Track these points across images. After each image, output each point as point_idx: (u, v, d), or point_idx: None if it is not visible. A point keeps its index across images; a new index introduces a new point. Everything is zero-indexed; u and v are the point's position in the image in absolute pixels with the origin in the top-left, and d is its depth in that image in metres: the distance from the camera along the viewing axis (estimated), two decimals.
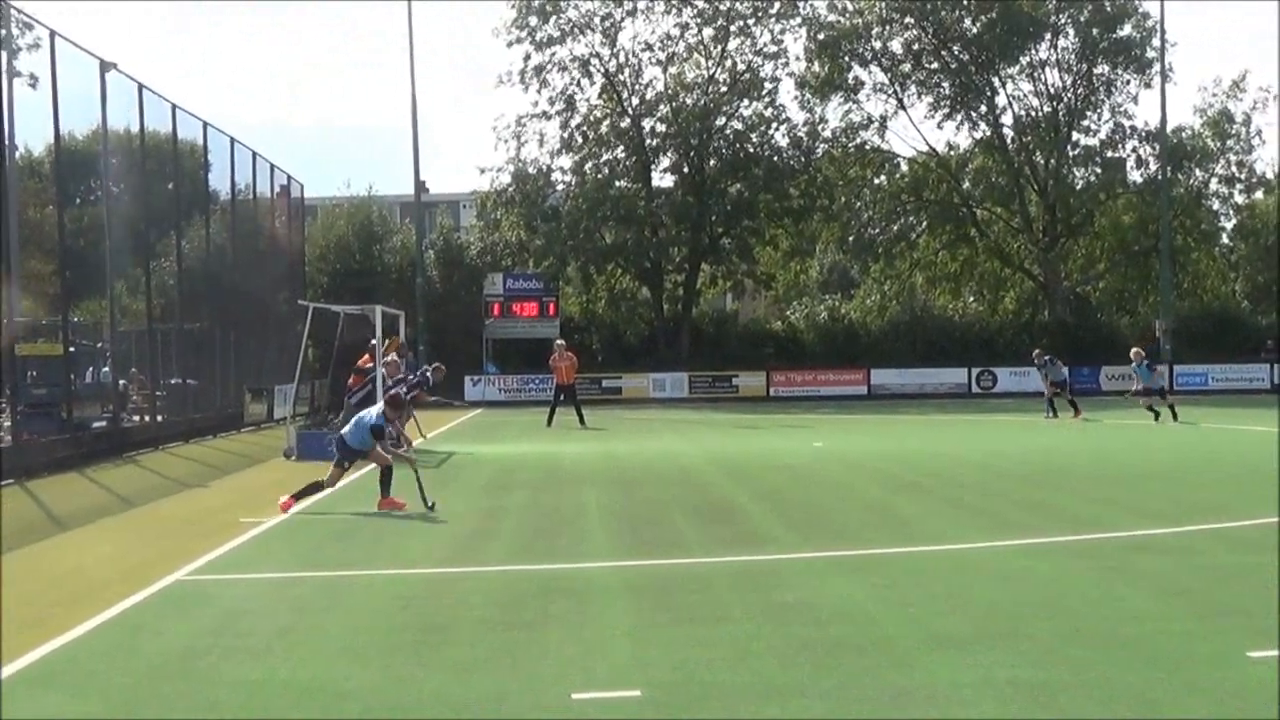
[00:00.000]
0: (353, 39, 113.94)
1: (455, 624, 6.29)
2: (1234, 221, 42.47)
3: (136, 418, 21.18)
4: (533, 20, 37.22)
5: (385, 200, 42.50)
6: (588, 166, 37.83)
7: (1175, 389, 33.00)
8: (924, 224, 40.83)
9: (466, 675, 5.26)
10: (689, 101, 38.24)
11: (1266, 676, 4.92)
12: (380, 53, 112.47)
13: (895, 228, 40.38)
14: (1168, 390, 24.09)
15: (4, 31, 18.41)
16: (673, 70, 38.88)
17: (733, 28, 38.13)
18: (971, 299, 42.04)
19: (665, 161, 38.94)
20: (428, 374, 19.03)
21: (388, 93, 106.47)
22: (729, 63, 38.63)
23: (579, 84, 38.04)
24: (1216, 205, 40.67)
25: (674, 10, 37.91)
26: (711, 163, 38.47)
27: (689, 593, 6.99)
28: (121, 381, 20.98)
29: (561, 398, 24.10)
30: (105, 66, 19.07)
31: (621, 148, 38.21)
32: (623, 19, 37.97)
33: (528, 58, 37.44)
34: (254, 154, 26.58)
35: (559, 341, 25.70)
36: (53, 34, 17.11)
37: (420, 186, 39.14)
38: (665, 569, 7.94)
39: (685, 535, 9.38)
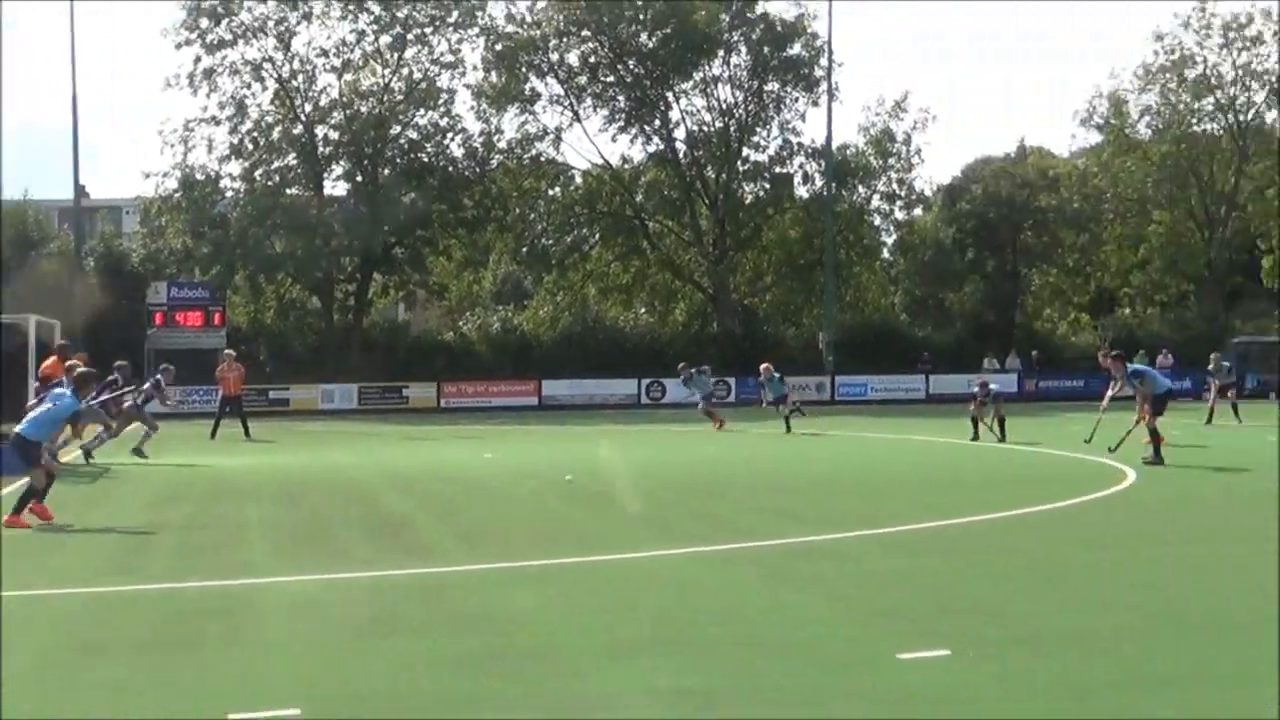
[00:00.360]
0: (8, 30, 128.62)
1: (111, 644, 7.80)
2: (894, 237, 58.63)
3: None
4: (204, 22, 48.44)
5: (42, 205, 53.60)
6: (258, 173, 49.25)
7: (837, 399, 49.82)
8: (597, 236, 54.77)
9: (122, 696, 6.58)
10: (364, 109, 50.41)
11: (918, 678, 6.78)
12: (38, 48, 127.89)
13: (569, 239, 54.25)
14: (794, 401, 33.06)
15: None
16: (348, 77, 50.79)
17: (410, 36, 50.15)
18: (643, 310, 55.95)
19: (338, 170, 51.11)
20: (159, 378, 24.79)
21: (47, 90, 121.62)
22: (405, 71, 50.92)
23: (250, 89, 49.79)
24: (878, 221, 56.45)
25: (350, 17, 49.73)
26: (386, 171, 50.60)
27: (357, 607, 8.94)
28: None
29: (228, 409, 30.03)
30: None
31: (293, 155, 49.88)
32: (298, 23, 49.72)
33: (198, 60, 48.78)
34: None
35: (227, 351, 32.69)
36: None
37: (80, 191, 50.09)
38: (332, 583, 9.95)
39: (353, 549, 11.80)
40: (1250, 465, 19.77)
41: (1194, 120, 57.82)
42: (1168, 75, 57.27)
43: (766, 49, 53.76)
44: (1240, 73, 56.86)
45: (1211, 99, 57.39)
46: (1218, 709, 6.36)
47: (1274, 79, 56.66)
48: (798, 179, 55.88)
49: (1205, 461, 20.47)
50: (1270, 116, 58.12)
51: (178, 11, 49.39)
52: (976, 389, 26.32)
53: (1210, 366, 34.14)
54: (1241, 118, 57.40)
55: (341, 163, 51.78)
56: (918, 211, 59.03)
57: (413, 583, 10.14)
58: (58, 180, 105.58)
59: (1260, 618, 8.26)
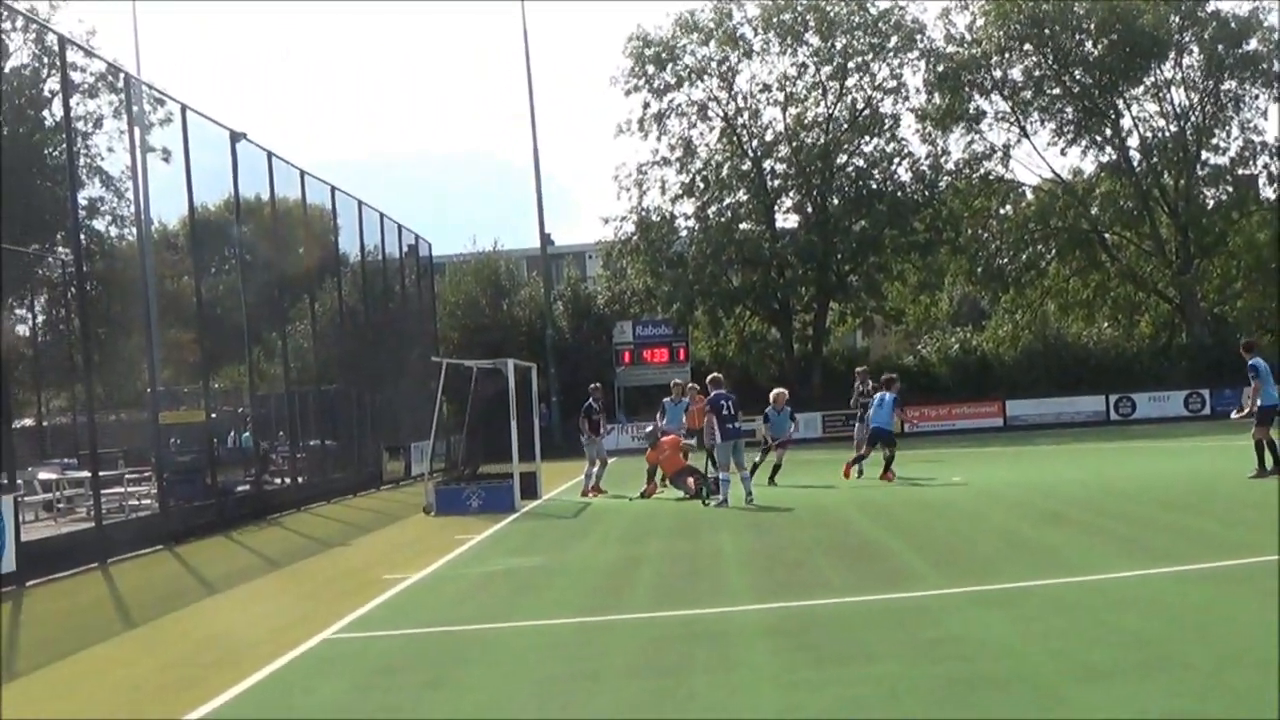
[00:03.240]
0: (471, 93, 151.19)
1: (601, 672, 8.72)
2: None
3: (278, 480, 28.40)
4: (649, 68, 53.35)
5: (511, 254, 59.02)
6: (710, 210, 53.48)
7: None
8: (1053, 251, 56.45)
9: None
10: (809, 140, 53.94)
11: None
12: (498, 106, 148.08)
13: (1024, 257, 56.00)
14: None
15: (136, 108, 25.46)
16: (792, 110, 54.52)
17: (850, 65, 53.65)
18: (1106, 325, 57.09)
19: (788, 202, 55.13)
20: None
21: (509, 145, 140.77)
22: (848, 99, 54.28)
23: (698, 129, 54.40)
24: None
25: (790, 51, 53.73)
26: (834, 200, 53.98)
27: (831, 633, 9.67)
28: (263, 445, 27.53)
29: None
30: (235, 137, 25.51)
31: (743, 190, 53.89)
32: (739, 61, 53.96)
33: (646, 105, 53.73)
34: (381, 215, 36.26)
35: (692, 385, 33.04)
36: (184, 108, 23.38)
37: (546, 239, 54.86)
38: (808, 610, 10.77)
39: (827, 575, 12.87)
40: None
41: None
42: None
43: (1220, 47, 54.53)
44: None
45: None
46: None
47: None
48: (1263, 179, 56.48)
49: None
50: None
51: (625, 60, 54.65)
52: None
53: None
54: None
55: (790, 195, 55.78)
56: None
57: (886, 608, 10.90)
58: (524, 231, 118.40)
59: None
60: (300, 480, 28.83)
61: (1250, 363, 21.84)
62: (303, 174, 30.19)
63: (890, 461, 25.28)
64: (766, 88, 55.27)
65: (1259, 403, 21.54)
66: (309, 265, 32.16)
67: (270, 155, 27.84)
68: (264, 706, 8.63)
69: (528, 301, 56.48)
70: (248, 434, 28.94)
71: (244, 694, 8.95)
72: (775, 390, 27.72)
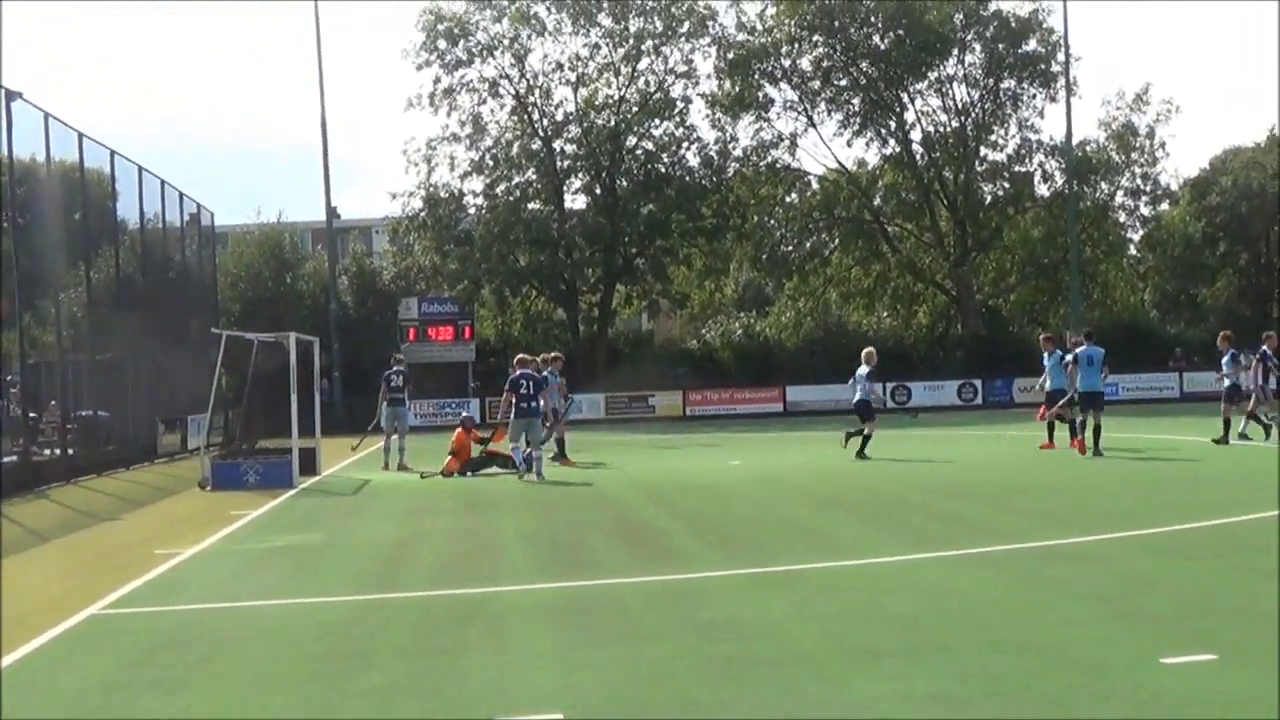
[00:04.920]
0: (260, 60, 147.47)
1: (374, 651, 8.88)
2: (1141, 233, 62.06)
3: (47, 451, 28.08)
4: (441, 43, 54.46)
5: (297, 226, 59.76)
6: (499, 189, 54.95)
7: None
8: (836, 240, 59.53)
9: (388, 702, 7.56)
10: (600, 122, 55.68)
11: (1184, 683, 7.24)
12: (288, 75, 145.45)
13: (808, 245, 59.14)
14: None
15: None
16: (583, 91, 56.23)
17: (643, 47, 55.48)
18: (885, 314, 60.54)
19: (577, 183, 56.86)
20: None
21: (297, 115, 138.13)
22: (640, 82, 56.21)
23: (489, 106, 55.74)
24: (1123, 217, 59.93)
25: (583, 31, 55.27)
26: (623, 183, 55.88)
27: (610, 613, 10.00)
28: (31, 414, 27.20)
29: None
30: (10, 95, 24.73)
31: (533, 170, 55.49)
32: (531, 40, 55.42)
33: (437, 80, 54.91)
34: (162, 182, 36.04)
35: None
36: None
37: (332, 212, 55.13)
38: (588, 590, 11.17)
39: (605, 557, 13.28)
40: None
41: None
42: None
43: (1001, 46, 57.82)
44: None
45: None
46: None
47: None
48: (1038, 177, 59.99)
49: None
50: None
51: (417, 34, 55.92)
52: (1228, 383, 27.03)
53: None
54: None
55: (580, 176, 57.55)
56: (1164, 206, 62.47)
57: (663, 589, 11.29)
58: (311, 202, 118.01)
59: None
60: (71, 452, 28.45)
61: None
62: (81, 136, 29.95)
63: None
64: (559, 67, 56.97)
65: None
66: (85, 230, 31.73)
67: (47, 116, 27.36)
68: (26, 682, 8.58)
69: (312, 275, 57.46)
70: (14, 405, 28.26)
71: (5, 669, 8.89)
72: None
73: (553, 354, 29.03)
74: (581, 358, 54.85)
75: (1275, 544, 12.22)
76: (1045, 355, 26.92)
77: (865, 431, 26.09)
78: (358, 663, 8.71)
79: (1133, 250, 64.58)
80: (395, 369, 28.32)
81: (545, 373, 25.87)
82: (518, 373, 24.41)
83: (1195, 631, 8.68)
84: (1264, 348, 26.65)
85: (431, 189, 56.25)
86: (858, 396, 26.79)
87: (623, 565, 12.81)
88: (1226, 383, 26.81)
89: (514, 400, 24.00)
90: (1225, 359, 27.03)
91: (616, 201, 56.49)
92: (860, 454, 25.69)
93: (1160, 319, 61.91)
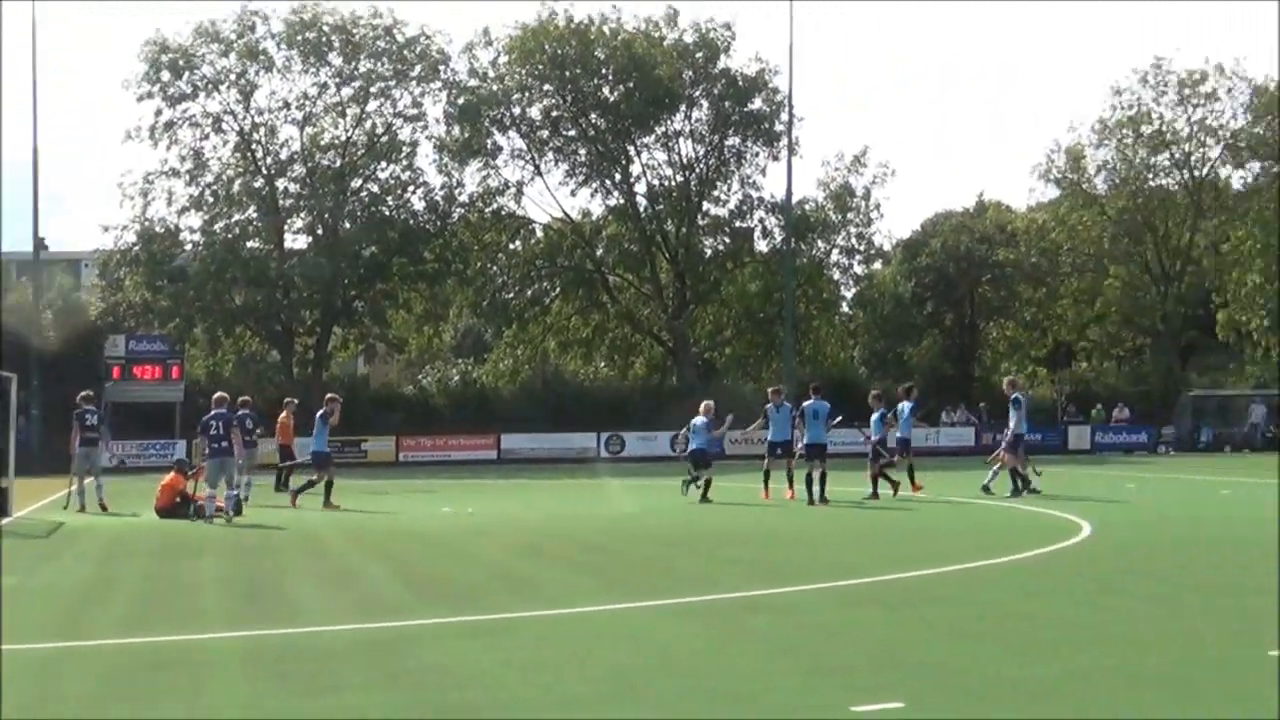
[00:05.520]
0: None
1: (60, 699, 8.87)
2: (854, 291, 64.84)
3: None
4: (165, 75, 54.03)
5: (0, 257, 58.00)
6: (218, 226, 54.57)
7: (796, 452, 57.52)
8: (558, 289, 60.63)
9: None
10: (325, 162, 55.98)
11: None
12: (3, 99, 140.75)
13: (529, 293, 60.20)
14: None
15: None
16: (309, 130, 56.39)
17: (372, 89, 55.99)
18: (603, 364, 62.16)
19: (299, 222, 56.73)
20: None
21: (8, 142, 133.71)
22: (367, 124, 56.68)
23: (211, 141, 55.43)
24: (838, 275, 62.57)
25: (312, 70, 55.44)
26: (346, 225, 56.12)
27: (310, 662, 9.87)
28: None
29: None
30: None
31: (253, 207, 55.25)
32: (258, 74, 55.37)
33: (159, 113, 54.44)
34: None
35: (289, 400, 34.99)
36: None
37: (39, 243, 54.66)
38: (287, 638, 10.94)
39: (308, 604, 13.10)
40: (1205, 515, 23.20)
41: (1150, 175, 64.49)
42: (1125, 130, 64.32)
43: (728, 103, 59.84)
44: (1195, 128, 64.12)
45: (1167, 154, 64.94)
46: None
47: (1228, 135, 65.47)
48: (758, 233, 62.20)
49: (1162, 512, 23.97)
50: (1224, 172, 66.42)
51: (139, 64, 55.21)
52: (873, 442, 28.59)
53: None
54: (1196, 173, 64.06)
55: (302, 215, 57.43)
56: (877, 265, 65.32)
57: (366, 637, 11.16)
58: (17, 233, 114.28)
59: (1216, 665, 9.50)
60: None
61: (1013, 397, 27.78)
62: None
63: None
64: (286, 105, 56.97)
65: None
66: None
67: None
68: None
69: (15, 308, 56.53)
70: None
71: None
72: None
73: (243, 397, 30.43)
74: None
75: (956, 595, 13.34)
76: (774, 407, 27.97)
77: (703, 477, 27.63)
78: (38, 714, 8.56)
79: (845, 308, 67.31)
80: (87, 408, 27.99)
81: (243, 413, 26.81)
82: (211, 413, 24.96)
83: (884, 682, 9.01)
84: (1017, 394, 28.82)
85: (146, 223, 55.74)
86: (694, 445, 28.36)
87: (326, 613, 12.70)
88: (874, 438, 28.37)
89: (207, 442, 24.53)
90: (874, 418, 28.84)
91: (338, 242, 56.61)
92: (704, 499, 27.33)
93: (868, 376, 64.66)
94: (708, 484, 27.48)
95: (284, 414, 33.82)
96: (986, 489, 27.53)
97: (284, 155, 57.38)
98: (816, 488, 25.92)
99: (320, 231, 57.48)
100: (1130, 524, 21.60)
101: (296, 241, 58.36)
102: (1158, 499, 27.80)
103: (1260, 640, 10.16)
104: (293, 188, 57.31)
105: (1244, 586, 13.66)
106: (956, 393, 61.48)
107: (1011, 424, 27.98)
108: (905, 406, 29.27)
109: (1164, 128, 63.99)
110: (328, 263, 55.42)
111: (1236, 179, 65.65)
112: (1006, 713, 8.16)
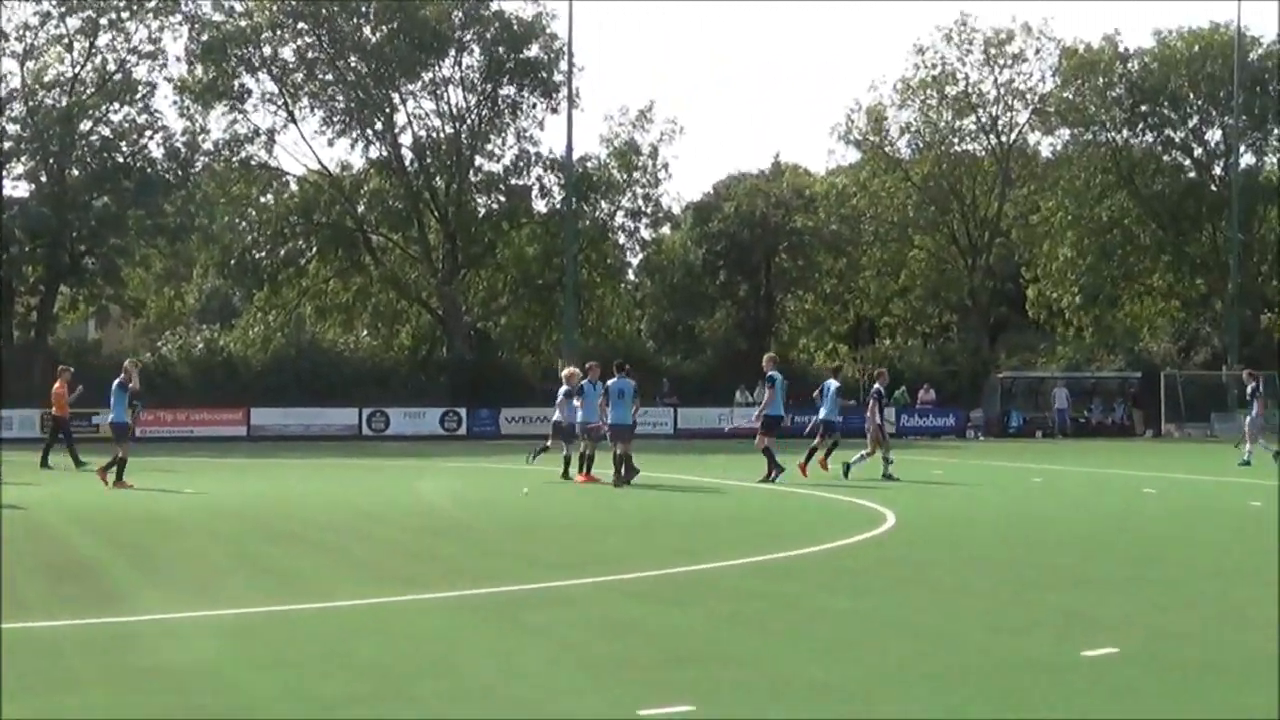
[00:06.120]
0: None
1: None
2: (641, 257, 61.32)
3: None
4: None
5: None
6: None
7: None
8: (314, 249, 56.17)
9: None
10: (49, 101, 50.90)
11: None
12: None
13: (282, 252, 55.49)
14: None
15: None
16: (31, 65, 51.26)
17: (103, 21, 51.00)
18: (365, 333, 57.56)
19: (19, 168, 51.63)
20: None
21: None
22: (98, 60, 51.69)
23: None
24: (623, 239, 59.05)
25: None
26: (74, 172, 51.20)
27: (33, 660, 9.11)
28: None
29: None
30: None
31: None
32: None
33: None
34: None
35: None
36: None
37: None
38: (9, 634, 10.00)
39: (32, 597, 11.98)
40: (1015, 504, 22.52)
41: (955, 140, 62.86)
42: (929, 91, 62.15)
43: (502, 49, 56.12)
44: (1002, 91, 62.30)
45: (973, 117, 62.81)
46: None
47: (1036, 99, 63.25)
48: (535, 192, 58.54)
49: (971, 501, 23.18)
50: (1034, 139, 64.46)
51: None
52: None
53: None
54: (1004, 139, 62.61)
55: (23, 160, 52.48)
56: (666, 230, 61.92)
57: (97, 633, 10.42)
58: None
59: (1019, 661, 9.12)
60: None
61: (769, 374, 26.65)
62: None
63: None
64: (3, 35, 51.76)
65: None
66: None
67: None
68: None
69: None
70: None
71: None
72: None
73: None
74: (14, 368, 49.88)
75: (750, 589, 12.55)
76: (590, 384, 26.48)
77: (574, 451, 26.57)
78: None
79: (631, 275, 63.62)
80: None
81: None
82: None
83: (673, 681, 8.57)
84: (877, 385, 28.63)
85: None
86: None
87: (50, 606, 11.60)
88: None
89: None
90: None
91: (65, 192, 51.66)
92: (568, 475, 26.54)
93: (657, 350, 60.92)
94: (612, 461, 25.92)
95: (58, 383, 32.19)
96: (847, 469, 26.96)
97: (3, 92, 52.16)
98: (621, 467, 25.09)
99: (44, 178, 52.49)
100: (936, 513, 20.73)
101: (17, 189, 53.32)
102: (967, 487, 26.74)
103: (1070, 637, 9.91)
104: (12, 128, 52.08)
105: (1052, 581, 13.20)
106: (752, 370, 57.74)
107: (764, 402, 27.13)
108: (830, 385, 28.03)
109: (969, 89, 61.66)
110: (53, 213, 50.88)
111: (1045, 146, 63.30)
112: (805, 713, 7.73)
